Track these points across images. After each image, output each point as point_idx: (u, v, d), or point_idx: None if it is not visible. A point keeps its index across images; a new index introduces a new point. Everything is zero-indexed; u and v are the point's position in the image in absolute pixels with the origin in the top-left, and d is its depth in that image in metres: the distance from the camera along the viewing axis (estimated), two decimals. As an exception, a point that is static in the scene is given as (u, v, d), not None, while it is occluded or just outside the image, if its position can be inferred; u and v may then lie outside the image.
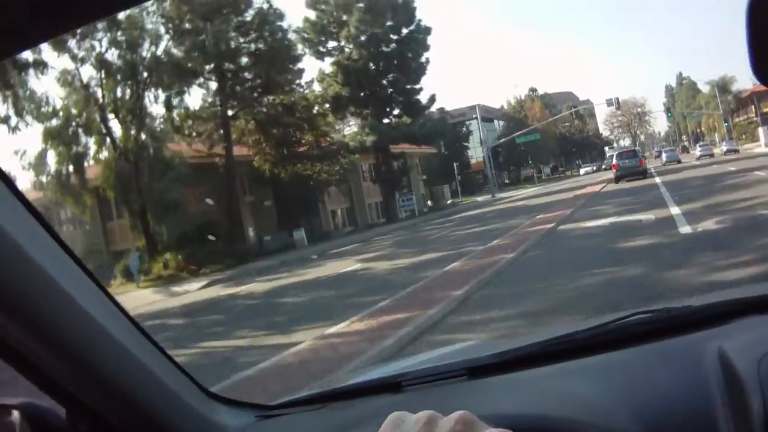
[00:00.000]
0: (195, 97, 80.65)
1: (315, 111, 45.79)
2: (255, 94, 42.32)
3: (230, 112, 41.19)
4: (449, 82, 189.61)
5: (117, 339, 1.40)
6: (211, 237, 33.08)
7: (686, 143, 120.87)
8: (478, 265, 14.17)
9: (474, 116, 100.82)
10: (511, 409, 1.52)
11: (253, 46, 41.38)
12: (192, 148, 38.20)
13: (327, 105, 50.82)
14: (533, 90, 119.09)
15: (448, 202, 68.07)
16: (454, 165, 75.85)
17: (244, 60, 41.74)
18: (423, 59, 55.45)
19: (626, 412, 1.34)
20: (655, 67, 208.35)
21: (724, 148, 65.93)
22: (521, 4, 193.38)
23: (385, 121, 54.45)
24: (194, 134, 39.20)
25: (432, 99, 56.53)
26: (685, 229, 14.03)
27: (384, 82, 54.12)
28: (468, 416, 0.85)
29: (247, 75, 42.22)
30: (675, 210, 17.82)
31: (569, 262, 12.83)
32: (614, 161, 45.08)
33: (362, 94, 52.99)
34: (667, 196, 23.22)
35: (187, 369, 1.66)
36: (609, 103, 71.02)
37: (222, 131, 40.11)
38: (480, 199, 69.26)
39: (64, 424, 1.43)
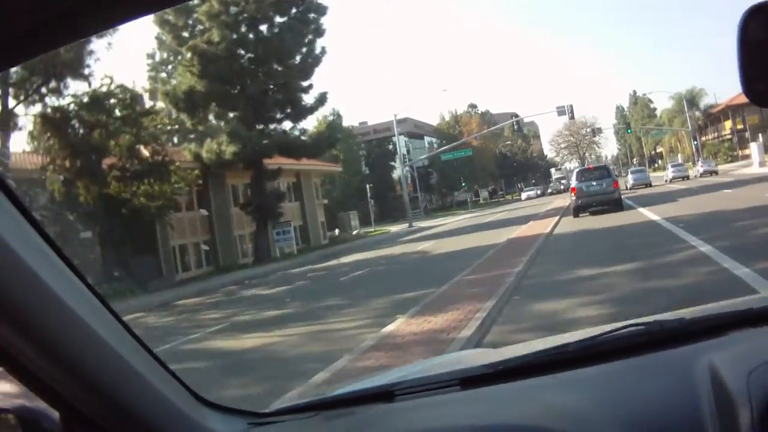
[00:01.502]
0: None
1: (139, 109, 32.21)
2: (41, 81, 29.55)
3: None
4: (377, 94, 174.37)
5: (110, 344, 1.39)
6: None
7: (637, 166, 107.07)
8: None
9: (402, 132, 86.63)
10: (502, 420, 1.53)
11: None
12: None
13: (180, 100, 37.05)
14: (473, 106, 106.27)
15: (354, 232, 53.60)
16: (368, 187, 60.41)
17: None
18: (316, 48, 40.81)
19: (616, 424, 1.35)
20: (604, 89, 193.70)
21: (701, 169, 56.13)
22: (463, 22, 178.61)
23: (260, 127, 39.54)
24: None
25: (321, 99, 41.35)
26: None
27: (260, 74, 39.11)
28: None
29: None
30: None
31: None
32: (573, 183, 30.16)
33: (231, 89, 38.21)
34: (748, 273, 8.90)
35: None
36: (560, 111, 55.26)
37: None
38: (395, 228, 56.51)
39: (58, 428, 1.44)
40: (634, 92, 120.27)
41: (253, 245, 39.88)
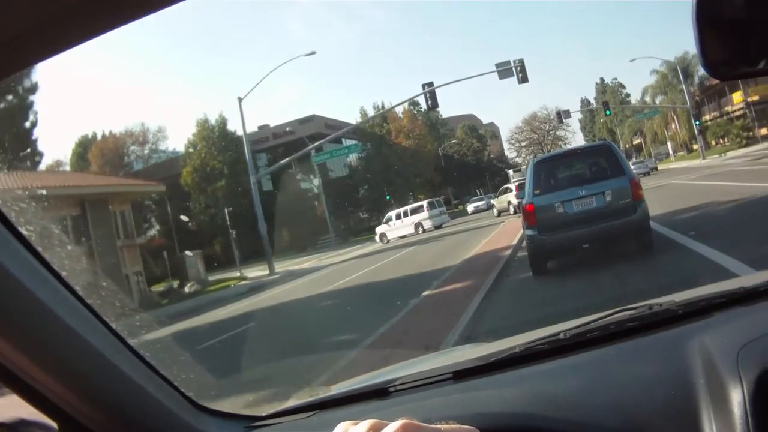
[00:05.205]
0: None
1: None
2: None
3: None
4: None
5: (106, 355, 1.40)
6: None
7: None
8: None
9: (308, 134, 65.86)
10: (496, 408, 1.54)
11: None
12: None
13: None
14: (415, 104, 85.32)
15: (188, 287, 34.25)
16: (226, 211, 39.94)
17: None
18: None
19: (609, 407, 1.38)
20: (567, 81, 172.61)
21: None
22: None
23: None
24: None
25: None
26: None
27: None
28: (410, 424, 0.87)
29: None
30: None
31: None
32: (527, 194, 12.47)
33: None
34: None
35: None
36: (504, 71, 34.61)
37: None
38: (256, 273, 37.18)
39: None
40: (602, 80, 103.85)
41: None
